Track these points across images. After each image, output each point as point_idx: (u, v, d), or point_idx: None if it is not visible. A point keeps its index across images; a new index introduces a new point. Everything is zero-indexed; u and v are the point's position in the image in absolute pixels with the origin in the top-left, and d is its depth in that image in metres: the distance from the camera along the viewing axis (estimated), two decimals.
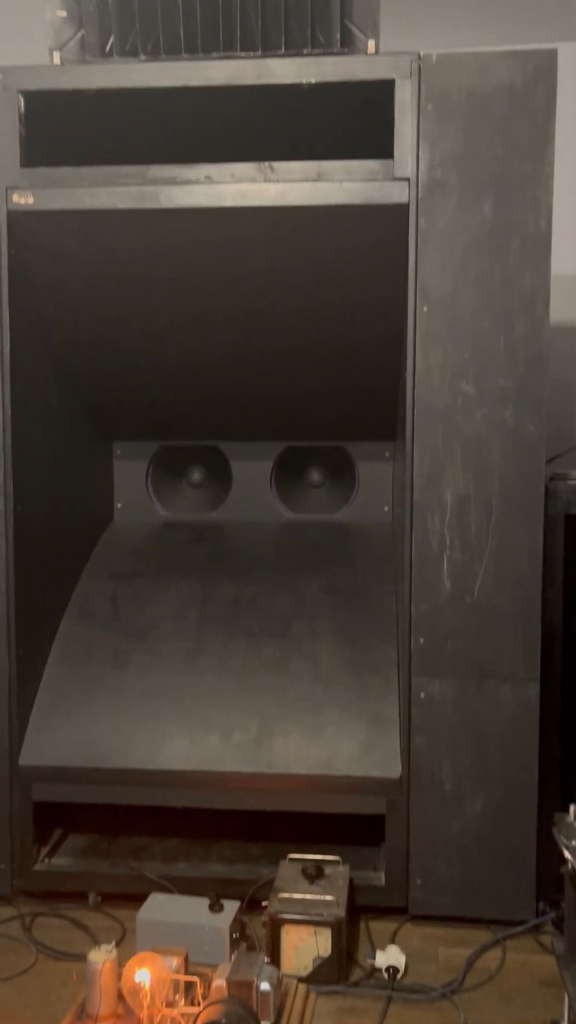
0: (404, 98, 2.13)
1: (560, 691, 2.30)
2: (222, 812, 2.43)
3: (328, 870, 2.20)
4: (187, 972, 1.91)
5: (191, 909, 2.12)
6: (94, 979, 1.82)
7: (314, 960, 2.04)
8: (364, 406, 2.63)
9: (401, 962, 2.06)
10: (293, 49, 2.20)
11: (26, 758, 2.36)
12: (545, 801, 2.22)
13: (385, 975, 2.05)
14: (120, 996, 1.84)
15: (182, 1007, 1.85)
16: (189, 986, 1.89)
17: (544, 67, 2.10)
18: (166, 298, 2.37)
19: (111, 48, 2.24)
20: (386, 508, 2.86)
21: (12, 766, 2.36)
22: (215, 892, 2.16)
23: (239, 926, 2.13)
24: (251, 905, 2.23)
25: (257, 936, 2.17)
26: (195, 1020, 1.76)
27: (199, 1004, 1.84)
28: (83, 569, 2.75)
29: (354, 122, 2.29)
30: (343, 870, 2.21)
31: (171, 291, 2.35)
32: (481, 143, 2.13)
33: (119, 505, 2.98)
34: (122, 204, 2.20)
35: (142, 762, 2.33)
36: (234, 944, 2.08)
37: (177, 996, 1.86)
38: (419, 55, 2.12)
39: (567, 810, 1.82)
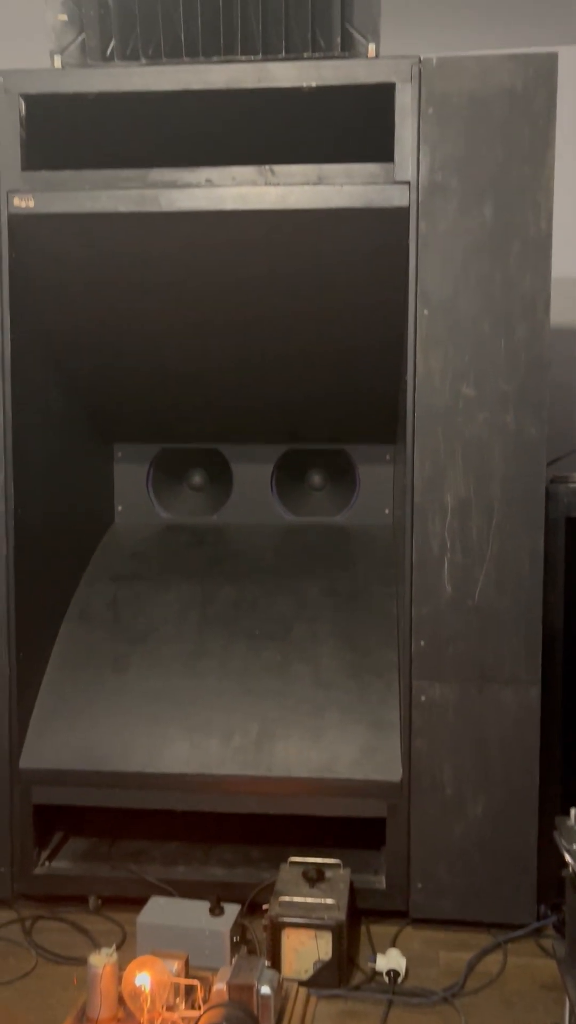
0: (404, 102, 2.13)
1: (561, 694, 2.30)
2: (222, 815, 2.43)
3: (329, 873, 2.19)
4: (187, 976, 1.90)
5: (191, 913, 2.12)
6: (94, 983, 1.82)
7: (315, 964, 2.03)
8: (365, 409, 2.63)
9: (402, 966, 2.06)
10: (294, 53, 2.20)
11: (26, 761, 2.36)
12: (546, 804, 2.22)
13: (386, 979, 2.05)
14: (120, 1000, 1.84)
15: (182, 1011, 1.85)
16: (190, 990, 1.89)
17: (544, 71, 2.11)
18: (167, 301, 2.37)
19: (112, 52, 2.25)
20: (387, 511, 2.86)
21: (12, 769, 2.36)
22: (215, 895, 2.15)
23: (240, 930, 2.13)
24: (252, 909, 2.23)
25: (258, 940, 2.16)
26: None
27: (200, 1008, 1.84)
28: (83, 572, 2.75)
29: (354, 125, 2.30)
30: (344, 873, 2.21)
31: (172, 294, 2.35)
32: (482, 146, 2.13)
33: (120, 508, 2.98)
34: (123, 207, 2.20)
35: (142, 765, 2.33)
36: (235, 948, 2.08)
37: (177, 1000, 1.86)
38: (419, 59, 2.12)
39: (568, 813, 1.82)
